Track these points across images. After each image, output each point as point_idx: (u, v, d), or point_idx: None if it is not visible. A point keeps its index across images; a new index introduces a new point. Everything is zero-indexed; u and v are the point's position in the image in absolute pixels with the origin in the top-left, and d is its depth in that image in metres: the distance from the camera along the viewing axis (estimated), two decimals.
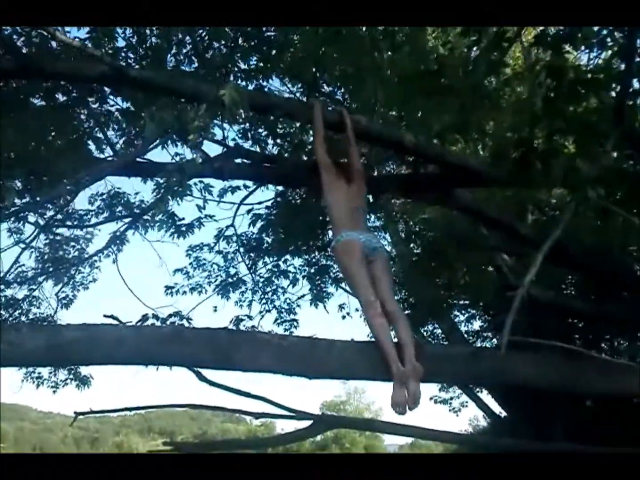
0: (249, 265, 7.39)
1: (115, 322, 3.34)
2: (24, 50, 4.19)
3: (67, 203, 5.47)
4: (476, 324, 11.60)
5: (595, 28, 2.96)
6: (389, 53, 5.01)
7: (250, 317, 7.11)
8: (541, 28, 3.22)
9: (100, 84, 4.44)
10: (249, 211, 6.89)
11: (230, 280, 7.42)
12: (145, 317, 6.21)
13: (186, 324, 6.36)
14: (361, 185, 3.92)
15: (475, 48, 3.49)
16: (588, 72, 3.00)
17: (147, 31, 5.26)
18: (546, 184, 3.16)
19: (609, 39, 2.94)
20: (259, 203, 6.90)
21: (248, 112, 3.51)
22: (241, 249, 7.28)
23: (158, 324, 6.20)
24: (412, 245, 10.26)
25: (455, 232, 7.56)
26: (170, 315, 6.38)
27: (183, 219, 6.58)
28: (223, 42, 5.08)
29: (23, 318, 8.10)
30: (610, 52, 3.07)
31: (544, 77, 3.00)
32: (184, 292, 7.30)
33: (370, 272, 3.57)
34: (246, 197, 6.67)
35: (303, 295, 7.54)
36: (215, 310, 7.52)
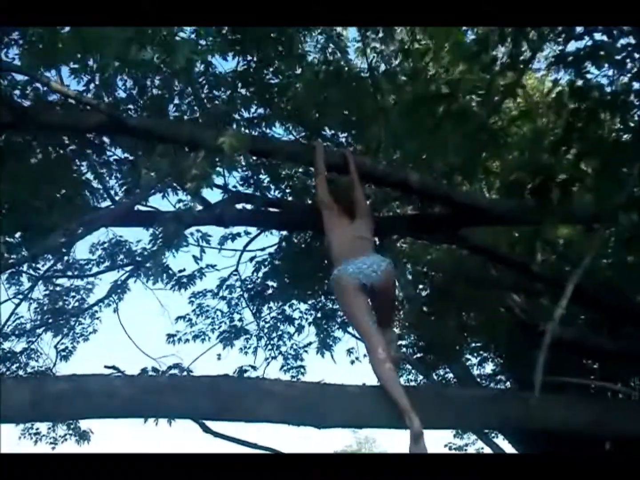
0: (254, 311, 7.19)
1: (111, 372, 3.14)
2: (19, 101, 4.10)
3: (64, 254, 5.27)
4: (489, 367, 11.34)
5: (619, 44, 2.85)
6: (392, 96, 4.96)
7: (254, 368, 6.86)
8: (560, 48, 3.12)
9: (98, 133, 4.34)
10: (252, 259, 6.78)
11: (234, 327, 7.21)
12: (144, 370, 6.02)
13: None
14: (368, 221, 3.81)
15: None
16: (609, 95, 2.86)
17: (148, 82, 5.19)
18: (565, 215, 3.01)
19: (628, 60, 2.81)
20: (262, 249, 6.79)
21: (248, 158, 3.40)
22: (245, 295, 7.09)
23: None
24: (420, 286, 10.10)
25: (465, 272, 7.38)
26: (170, 367, 6.15)
27: (184, 269, 6.47)
28: (223, 89, 4.98)
29: (21, 372, 7.89)
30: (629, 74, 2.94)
31: (567, 97, 2.88)
32: (187, 340, 7.08)
33: (372, 302, 3.48)
34: (248, 243, 6.53)
35: (310, 344, 7.35)
36: (219, 359, 7.28)
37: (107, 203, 5.55)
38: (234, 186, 5.67)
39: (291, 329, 7.34)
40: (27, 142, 4.58)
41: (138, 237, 7.57)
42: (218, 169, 3.63)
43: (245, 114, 5.30)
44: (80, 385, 2.58)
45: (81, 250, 9.33)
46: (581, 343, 4.78)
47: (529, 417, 3.02)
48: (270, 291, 7.09)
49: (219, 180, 5.26)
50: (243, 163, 3.53)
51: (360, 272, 3.41)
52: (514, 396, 3.20)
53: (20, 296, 7.42)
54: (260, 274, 6.90)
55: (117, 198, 5.53)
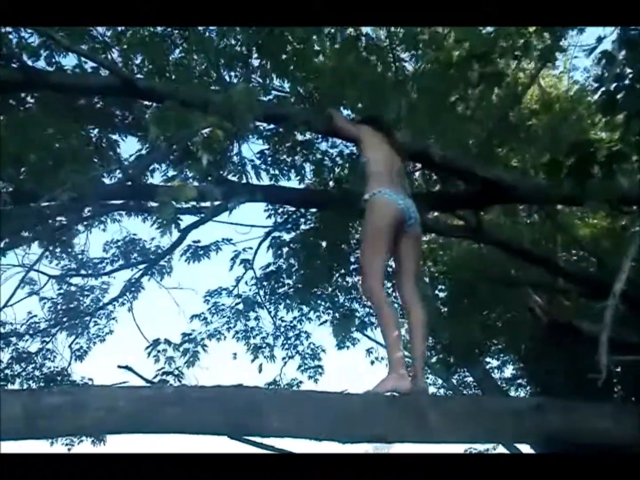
0: (269, 309, 6.97)
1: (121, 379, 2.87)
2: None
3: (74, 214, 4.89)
4: (508, 371, 11.01)
5: None
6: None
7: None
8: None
9: (106, 94, 4.16)
10: (269, 239, 6.47)
11: (250, 325, 7.00)
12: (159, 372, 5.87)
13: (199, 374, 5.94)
14: (402, 154, 3.55)
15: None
16: None
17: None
18: (607, 196, 2.74)
19: None
20: (277, 228, 6.44)
21: (261, 117, 3.17)
22: (261, 292, 6.87)
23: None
24: (439, 286, 9.82)
25: (487, 270, 7.10)
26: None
27: (199, 241, 6.24)
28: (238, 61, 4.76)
29: (37, 372, 7.75)
30: None
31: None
32: (202, 339, 6.87)
33: (399, 246, 3.19)
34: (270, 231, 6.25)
35: (325, 321, 7.08)
36: (234, 358, 7.07)
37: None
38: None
39: (309, 327, 7.10)
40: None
41: (152, 235, 7.33)
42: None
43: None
44: (78, 397, 2.31)
45: (95, 248, 9.22)
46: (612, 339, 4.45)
47: (572, 429, 2.64)
48: (286, 289, 6.85)
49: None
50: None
51: (407, 207, 3.16)
52: (555, 406, 2.78)
53: (35, 295, 7.39)
54: (277, 262, 6.61)
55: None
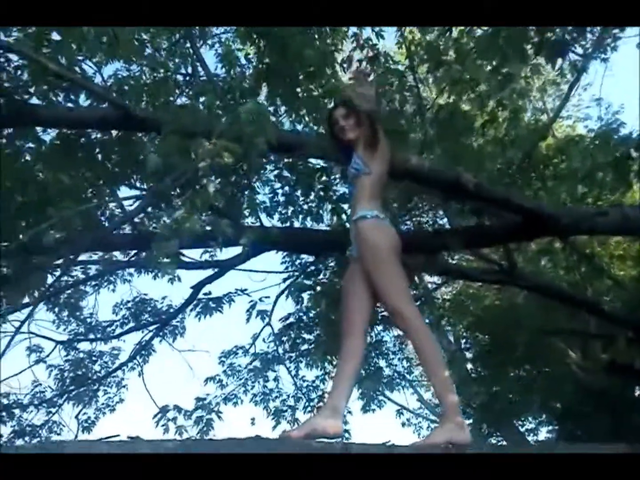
0: (289, 367, 6.32)
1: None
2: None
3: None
4: (542, 435, 10.17)
5: None
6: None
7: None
8: None
9: (103, 129, 3.75)
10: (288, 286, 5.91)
11: (269, 387, 6.34)
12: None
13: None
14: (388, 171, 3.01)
15: None
16: None
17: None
18: None
19: None
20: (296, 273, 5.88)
21: (274, 141, 2.71)
22: (280, 350, 6.24)
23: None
24: (464, 344, 9.18)
25: (523, 320, 6.46)
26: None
27: (209, 293, 5.67)
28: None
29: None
30: None
31: None
32: (217, 404, 6.21)
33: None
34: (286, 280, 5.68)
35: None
36: (253, 424, 6.39)
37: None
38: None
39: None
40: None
41: (163, 293, 6.83)
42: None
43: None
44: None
45: (104, 311, 8.76)
46: None
47: None
48: (306, 346, 6.24)
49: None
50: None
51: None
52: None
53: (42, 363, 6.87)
54: (296, 311, 6.01)
55: None
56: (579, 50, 4.26)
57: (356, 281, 2.72)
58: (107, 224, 4.24)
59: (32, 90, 3.58)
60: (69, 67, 3.54)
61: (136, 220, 4.39)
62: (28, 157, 3.81)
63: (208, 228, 3.48)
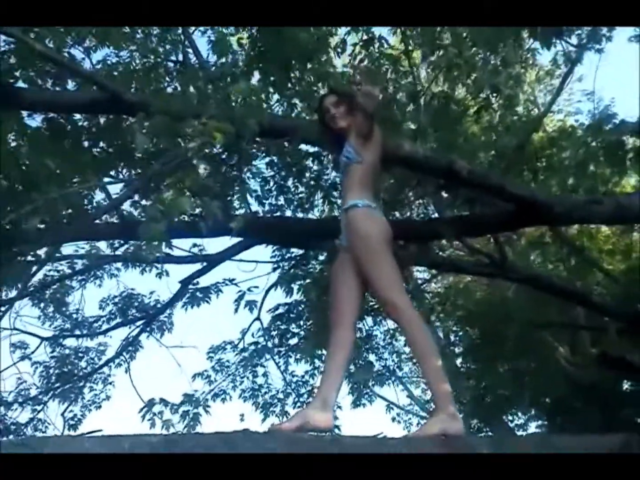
0: (278, 362, 6.21)
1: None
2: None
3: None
4: (532, 430, 10.16)
5: None
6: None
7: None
8: None
9: (91, 112, 3.63)
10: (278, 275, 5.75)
11: (258, 382, 6.22)
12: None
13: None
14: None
15: None
16: None
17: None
18: None
19: None
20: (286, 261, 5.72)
21: (266, 124, 2.62)
22: (269, 344, 6.13)
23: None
24: (453, 337, 9.14)
25: (514, 313, 6.41)
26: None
27: (197, 283, 5.53)
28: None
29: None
30: None
31: None
32: (206, 400, 6.09)
33: None
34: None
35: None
36: (242, 420, 6.27)
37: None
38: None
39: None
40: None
41: (151, 288, 6.70)
42: None
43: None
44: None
45: (90, 306, 8.59)
46: None
47: None
48: (295, 340, 6.14)
49: None
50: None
51: None
52: None
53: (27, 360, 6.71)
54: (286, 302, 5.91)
55: None
56: (574, 41, 4.24)
57: (346, 270, 2.63)
58: (93, 212, 4.11)
59: (18, 74, 3.47)
60: (58, 52, 3.44)
61: (123, 209, 4.27)
62: (13, 143, 3.69)
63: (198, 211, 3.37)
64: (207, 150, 2.80)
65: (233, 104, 2.50)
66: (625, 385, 8.20)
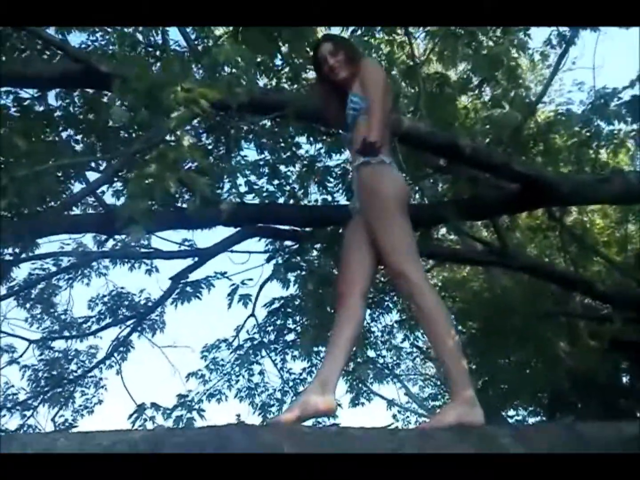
0: (275, 360, 5.93)
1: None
2: None
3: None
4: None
5: None
6: None
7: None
8: None
9: (63, 86, 3.35)
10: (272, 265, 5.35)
11: (254, 381, 5.95)
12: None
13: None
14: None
15: None
16: None
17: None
18: None
19: None
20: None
21: (256, 95, 2.36)
22: (265, 340, 5.85)
23: None
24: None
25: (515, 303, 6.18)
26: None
27: (187, 277, 5.20)
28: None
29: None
30: None
31: None
32: (200, 400, 5.80)
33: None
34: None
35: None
36: (238, 420, 5.98)
37: None
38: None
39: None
40: None
41: (141, 286, 6.43)
42: None
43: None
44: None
45: (79, 307, 8.32)
46: None
47: None
48: (292, 336, 5.86)
49: None
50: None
51: None
52: None
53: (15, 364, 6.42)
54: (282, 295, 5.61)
55: None
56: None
57: (358, 237, 2.28)
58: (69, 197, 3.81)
59: None
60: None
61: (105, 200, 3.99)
62: None
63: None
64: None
65: (218, 75, 2.23)
66: (625, 379, 8.03)
